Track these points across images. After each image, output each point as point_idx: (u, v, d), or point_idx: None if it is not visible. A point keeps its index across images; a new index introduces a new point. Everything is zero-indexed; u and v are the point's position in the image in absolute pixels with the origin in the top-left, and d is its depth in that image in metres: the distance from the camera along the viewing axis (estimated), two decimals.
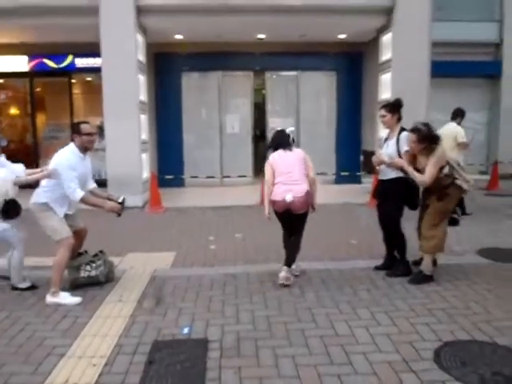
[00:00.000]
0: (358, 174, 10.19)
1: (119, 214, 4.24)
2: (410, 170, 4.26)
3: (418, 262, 4.73)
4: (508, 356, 3.00)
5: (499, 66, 11.41)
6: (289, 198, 4.22)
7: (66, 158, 4.01)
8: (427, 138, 4.16)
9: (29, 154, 10.83)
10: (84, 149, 4.14)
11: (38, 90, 11.28)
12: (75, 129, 4.15)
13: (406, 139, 4.29)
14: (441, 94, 10.26)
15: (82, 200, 4.02)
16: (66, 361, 3.03)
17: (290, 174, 4.33)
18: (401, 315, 3.65)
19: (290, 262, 4.43)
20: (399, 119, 4.49)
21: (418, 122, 4.27)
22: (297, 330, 3.43)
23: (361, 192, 9.66)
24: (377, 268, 4.74)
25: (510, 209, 7.18)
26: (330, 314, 3.68)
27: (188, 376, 2.81)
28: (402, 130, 4.42)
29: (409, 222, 4.69)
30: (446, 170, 4.29)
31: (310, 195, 4.35)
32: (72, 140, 4.14)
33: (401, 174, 4.38)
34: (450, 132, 7.21)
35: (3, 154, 4.34)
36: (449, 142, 7.27)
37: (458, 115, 7.47)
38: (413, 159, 4.34)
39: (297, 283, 4.39)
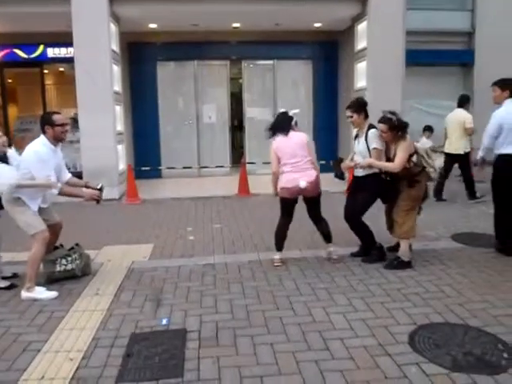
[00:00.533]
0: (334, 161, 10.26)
1: (98, 201, 4.18)
2: (378, 163, 4.39)
3: (393, 248, 4.82)
4: (478, 337, 3.09)
5: (472, 54, 11.58)
6: (303, 184, 4.31)
7: (35, 151, 3.89)
8: (397, 126, 4.26)
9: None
10: (57, 140, 4.04)
11: (9, 81, 10.97)
12: (47, 120, 4.00)
13: (374, 136, 4.40)
14: (415, 82, 10.37)
15: (60, 192, 3.95)
16: (43, 356, 2.99)
17: (297, 162, 4.38)
18: (376, 300, 3.72)
19: (330, 238, 4.72)
20: (366, 117, 4.57)
21: (385, 111, 4.36)
22: (275, 317, 3.46)
23: (337, 180, 9.73)
24: (353, 255, 4.81)
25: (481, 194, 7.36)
26: (308, 302, 3.72)
27: (166, 368, 2.81)
28: (371, 126, 4.50)
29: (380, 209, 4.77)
30: (415, 158, 4.38)
31: (319, 178, 4.50)
32: (43, 132, 4.00)
33: (373, 170, 4.49)
34: (457, 118, 7.47)
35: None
36: (456, 129, 7.45)
37: (464, 101, 7.70)
38: (385, 151, 4.43)
39: (275, 273, 4.42)
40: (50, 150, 3.98)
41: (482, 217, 6.33)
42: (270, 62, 10.97)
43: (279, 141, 4.46)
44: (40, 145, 3.95)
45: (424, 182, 4.42)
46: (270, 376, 2.71)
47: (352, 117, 4.54)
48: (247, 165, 9.11)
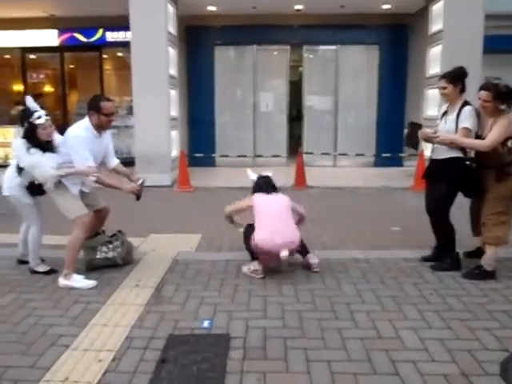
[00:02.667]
0: (400, 155, 9.51)
1: (138, 197, 3.86)
2: (463, 140, 3.66)
3: (471, 254, 4.17)
4: None
5: None
6: (284, 254, 3.62)
7: (76, 136, 3.62)
8: (504, 94, 3.55)
9: (60, 131, 10.66)
10: (100, 128, 3.73)
11: (69, 65, 11.06)
12: (94, 105, 3.66)
13: (470, 114, 3.68)
14: (494, 71, 9.34)
15: (97, 180, 3.65)
16: (70, 353, 2.69)
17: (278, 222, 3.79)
18: (455, 316, 3.12)
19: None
20: (462, 91, 3.84)
21: (490, 77, 3.63)
22: (333, 329, 2.96)
23: (403, 175, 9.02)
24: (424, 259, 4.19)
25: None
26: (372, 312, 3.19)
27: (204, 381, 2.40)
28: (466, 103, 3.78)
29: (463, 207, 4.10)
30: (510, 143, 3.67)
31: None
32: (88, 115, 3.70)
33: (457, 154, 3.77)
34: None
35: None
36: None
37: None
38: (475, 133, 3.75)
39: (332, 274, 3.91)
40: (92, 136, 3.69)
41: None
42: (333, 47, 10.32)
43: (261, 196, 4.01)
44: (82, 129, 3.67)
45: None
46: None
47: (446, 88, 3.82)
48: (304, 155, 8.56)
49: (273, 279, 3.80)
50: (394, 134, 10.03)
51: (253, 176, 4.29)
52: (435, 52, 8.35)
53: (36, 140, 3.58)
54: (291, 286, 3.67)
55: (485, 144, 3.58)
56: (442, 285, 3.66)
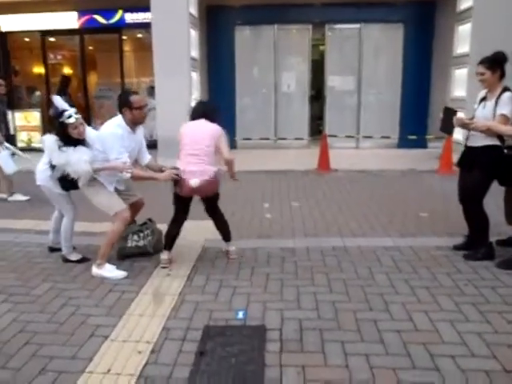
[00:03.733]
0: (426, 137, 9.31)
1: (176, 182, 3.70)
2: (500, 127, 3.54)
3: (504, 242, 4.09)
4: None
5: None
6: (194, 182, 3.58)
7: (110, 133, 3.62)
8: None
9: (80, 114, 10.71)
10: (135, 123, 3.73)
11: (89, 47, 11.03)
12: (124, 101, 3.66)
13: (509, 100, 3.55)
14: None
15: (133, 176, 3.65)
16: (110, 344, 2.73)
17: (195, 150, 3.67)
18: (493, 309, 3.07)
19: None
20: (502, 76, 3.69)
21: None
22: (369, 320, 2.94)
23: (428, 157, 8.85)
24: (456, 248, 4.12)
25: None
26: (407, 303, 3.16)
27: (244, 374, 2.42)
28: (505, 89, 3.64)
29: (492, 194, 3.99)
30: None
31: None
32: (121, 112, 3.70)
33: (494, 142, 3.66)
34: None
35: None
36: None
37: None
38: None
39: (364, 263, 3.88)
40: (126, 132, 3.68)
41: None
42: (356, 25, 10.05)
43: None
44: (115, 126, 3.66)
45: None
46: None
47: (484, 74, 3.69)
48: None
49: (305, 267, 3.79)
50: (419, 114, 9.85)
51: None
52: (464, 30, 8.07)
53: (68, 138, 3.58)
54: (323, 274, 3.65)
55: None
56: (477, 275, 3.60)
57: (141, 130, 3.91)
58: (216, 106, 4.17)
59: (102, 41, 11.00)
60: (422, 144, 9.52)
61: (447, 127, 4.03)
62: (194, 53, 8.60)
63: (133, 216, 4.05)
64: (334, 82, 10.35)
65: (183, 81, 8.07)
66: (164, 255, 3.87)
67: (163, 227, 4.40)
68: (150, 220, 4.21)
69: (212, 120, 3.83)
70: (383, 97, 10.34)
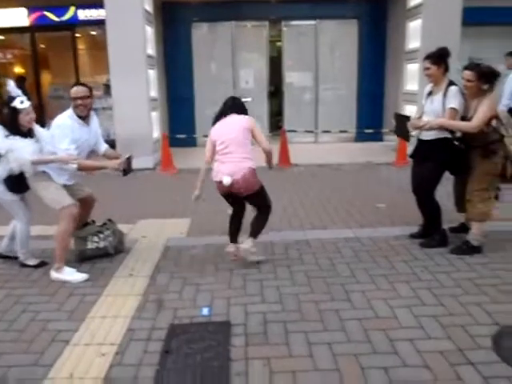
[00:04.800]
0: (381, 130, 9.57)
1: (125, 172, 3.70)
2: (451, 123, 3.71)
3: (456, 229, 4.29)
4: None
5: None
6: (226, 181, 3.59)
7: (57, 125, 3.60)
8: (486, 75, 3.60)
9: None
10: (77, 115, 3.66)
11: (41, 45, 10.65)
12: (69, 94, 3.68)
13: (455, 94, 3.72)
14: (483, 43, 9.32)
15: (80, 167, 3.58)
16: (72, 349, 2.68)
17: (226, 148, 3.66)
18: (447, 292, 3.22)
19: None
20: (446, 70, 3.87)
21: (473, 57, 3.68)
22: (331, 310, 3.03)
23: (384, 150, 9.11)
24: (412, 236, 4.29)
25: None
26: (367, 291, 3.27)
27: (210, 370, 2.44)
28: (451, 83, 3.81)
29: (442, 183, 4.15)
30: (494, 122, 3.74)
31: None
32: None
33: (444, 135, 3.83)
34: None
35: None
36: None
37: None
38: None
39: (325, 254, 3.97)
40: (77, 124, 3.64)
41: None
42: (312, 22, 10.17)
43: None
44: (64, 117, 3.65)
45: (500, 155, 3.78)
46: None
47: (429, 69, 3.84)
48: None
49: (268, 262, 3.84)
50: (375, 108, 10.11)
51: None
52: (414, 26, 8.33)
53: (17, 126, 3.46)
54: (286, 268, 3.72)
55: (472, 125, 3.63)
56: (432, 262, 3.76)
57: (95, 122, 3.86)
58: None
59: (55, 39, 10.62)
60: (378, 137, 9.77)
61: (402, 133, 4.16)
62: (151, 50, 8.46)
63: (86, 214, 3.97)
64: (291, 77, 10.45)
65: (140, 78, 7.93)
66: (229, 248, 3.85)
67: (123, 227, 4.36)
68: (109, 220, 4.14)
69: (242, 112, 3.81)
70: (340, 92, 10.53)
